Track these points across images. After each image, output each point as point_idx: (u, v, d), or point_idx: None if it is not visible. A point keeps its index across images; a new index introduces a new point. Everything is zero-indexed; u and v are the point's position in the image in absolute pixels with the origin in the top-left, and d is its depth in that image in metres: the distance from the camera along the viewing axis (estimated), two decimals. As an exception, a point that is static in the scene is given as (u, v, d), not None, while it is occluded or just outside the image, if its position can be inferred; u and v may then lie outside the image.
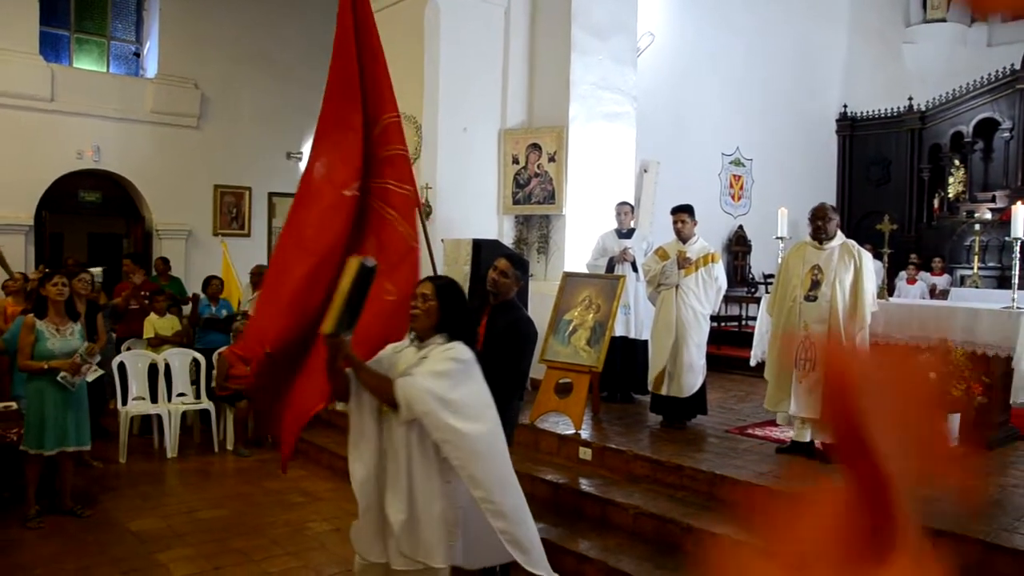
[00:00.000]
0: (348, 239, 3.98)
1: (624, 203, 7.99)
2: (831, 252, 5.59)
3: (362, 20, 4.38)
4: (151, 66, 12.40)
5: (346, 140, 4.13)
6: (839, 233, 5.68)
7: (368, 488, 3.33)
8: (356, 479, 3.37)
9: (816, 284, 5.57)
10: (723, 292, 6.78)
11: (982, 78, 12.85)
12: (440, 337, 3.33)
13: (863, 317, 5.43)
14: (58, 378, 5.58)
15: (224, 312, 8.91)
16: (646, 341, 7.58)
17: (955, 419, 5.94)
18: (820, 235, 5.65)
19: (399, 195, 4.16)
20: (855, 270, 5.46)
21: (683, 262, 6.54)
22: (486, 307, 4.75)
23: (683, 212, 6.73)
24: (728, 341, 10.37)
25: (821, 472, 5.26)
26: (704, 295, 6.60)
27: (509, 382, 4.62)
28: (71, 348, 5.74)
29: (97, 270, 8.99)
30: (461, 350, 3.28)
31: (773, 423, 6.32)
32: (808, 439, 5.63)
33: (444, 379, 3.16)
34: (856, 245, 5.59)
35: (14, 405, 6.14)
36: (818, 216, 5.68)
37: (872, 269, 5.55)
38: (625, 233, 7.80)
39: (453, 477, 3.24)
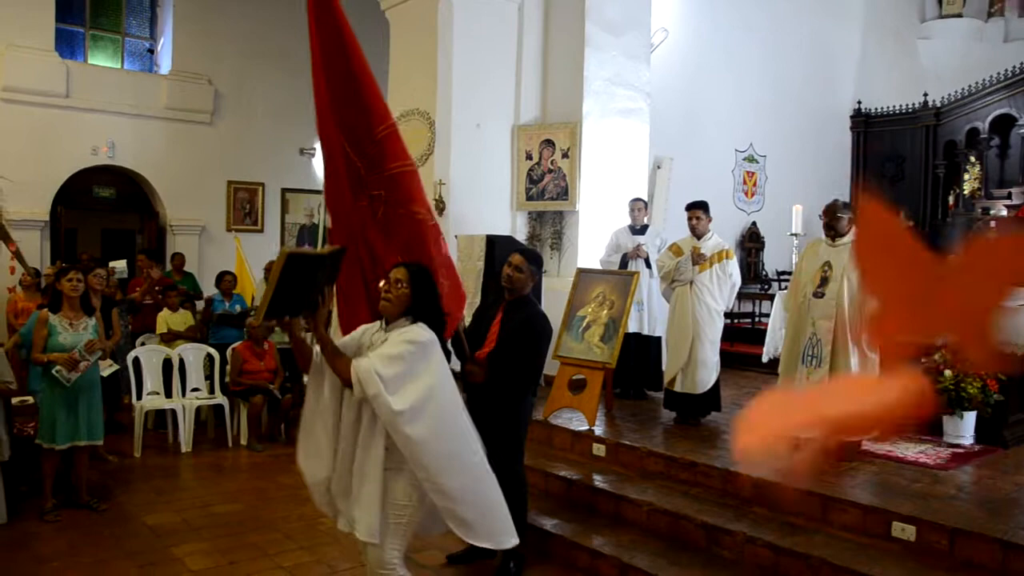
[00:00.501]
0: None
1: (638, 199, 7.97)
2: (842, 249, 5.56)
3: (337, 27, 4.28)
4: (165, 62, 12.44)
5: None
6: (853, 229, 5.65)
7: (323, 461, 3.47)
8: (306, 452, 3.51)
9: (825, 281, 5.55)
10: (737, 288, 6.75)
11: (999, 74, 12.74)
12: (406, 320, 3.42)
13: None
14: (53, 371, 5.60)
15: (238, 308, 8.93)
16: (659, 338, 7.57)
17: (970, 416, 5.94)
18: (831, 232, 5.64)
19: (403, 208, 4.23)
20: None
21: (697, 258, 6.52)
22: (501, 303, 4.76)
23: (698, 208, 6.71)
24: (741, 338, 10.32)
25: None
26: (718, 291, 6.58)
27: (523, 378, 4.64)
28: (83, 343, 5.77)
29: (121, 263, 9.05)
30: (418, 331, 3.35)
31: (787, 420, 6.28)
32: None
33: (396, 362, 3.24)
34: None
35: (31, 399, 6.18)
36: (828, 213, 5.67)
37: None
38: (639, 229, 7.79)
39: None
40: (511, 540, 3.59)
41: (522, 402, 4.71)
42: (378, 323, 3.53)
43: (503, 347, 4.58)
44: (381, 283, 3.51)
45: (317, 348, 3.46)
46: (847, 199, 14.11)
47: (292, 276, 3.25)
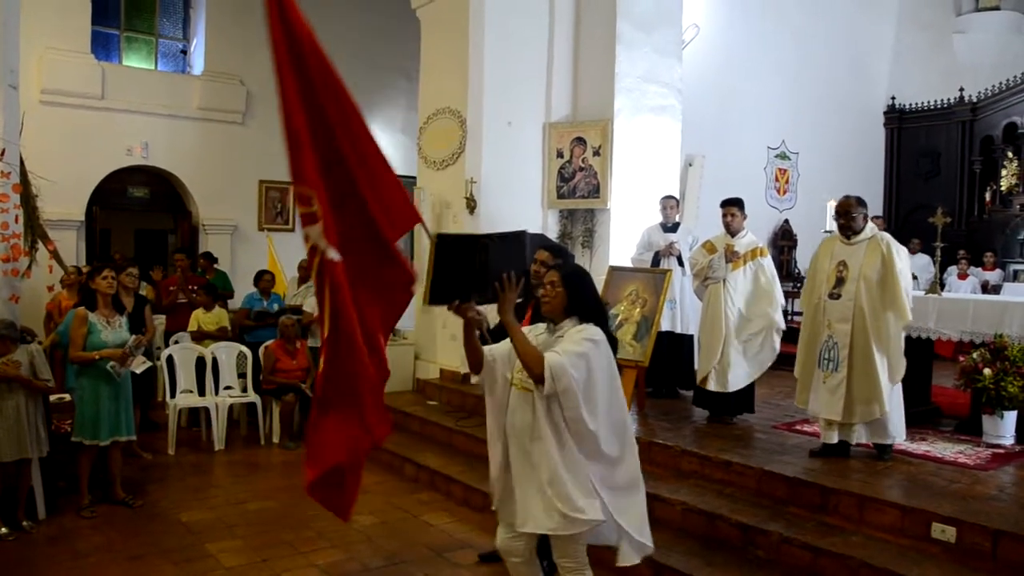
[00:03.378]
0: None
1: (669, 197, 7.92)
2: (859, 247, 5.36)
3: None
4: (198, 63, 12.55)
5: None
6: (870, 226, 5.43)
7: (501, 459, 3.56)
8: (494, 454, 3.61)
9: (841, 281, 5.37)
10: (776, 286, 6.61)
11: (1037, 67, 12.53)
12: (573, 320, 3.47)
13: (903, 308, 5.13)
14: (107, 367, 5.71)
15: (276, 306, 8.97)
16: (692, 336, 7.51)
17: (1011, 416, 5.83)
18: (846, 231, 5.43)
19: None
20: (883, 264, 5.19)
21: (731, 256, 6.45)
22: (531, 300, 4.75)
23: (733, 206, 6.65)
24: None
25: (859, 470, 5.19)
26: (752, 292, 6.50)
27: None
28: (121, 340, 5.88)
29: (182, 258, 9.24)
30: (593, 330, 3.41)
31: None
32: (835, 440, 5.44)
33: (583, 359, 3.30)
34: (887, 238, 5.31)
35: (67, 397, 6.26)
36: (841, 212, 5.45)
37: (905, 263, 5.26)
38: (670, 227, 7.73)
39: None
40: (651, 548, 3.60)
41: None
42: (543, 325, 3.60)
43: None
44: (540, 291, 3.55)
45: (487, 348, 3.53)
46: (881, 197, 14.02)
47: (448, 260, 3.23)
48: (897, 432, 5.35)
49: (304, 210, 3.06)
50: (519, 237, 3.26)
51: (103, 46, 11.96)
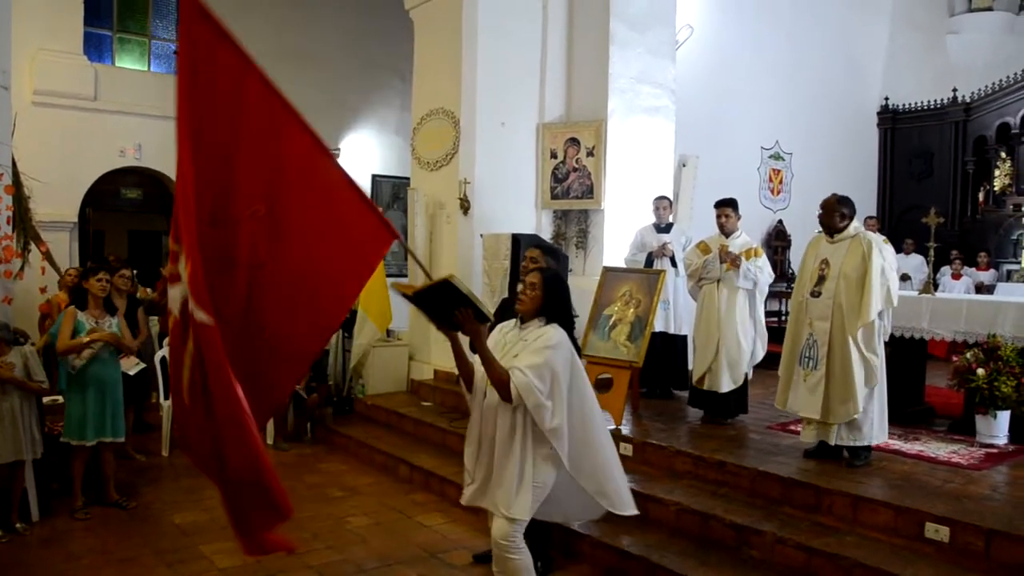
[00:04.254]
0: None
1: (662, 197, 7.92)
2: (841, 245, 5.36)
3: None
4: (191, 64, 12.52)
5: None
6: (854, 225, 5.42)
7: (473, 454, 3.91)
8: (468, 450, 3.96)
9: (822, 279, 5.38)
10: (764, 284, 6.62)
11: (1030, 68, 12.57)
12: (539, 320, 3.78)
13: (867, 313, 5.10)
14: (69, 359, 5.73)
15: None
16: (685, 336, 7.52)
17: (1004, 416, 5.85)
18: (827, 229, 5.44)
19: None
20: (862, 263, 5.17)
21: (725, 256, 6.46)
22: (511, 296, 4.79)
23: (727, 206, 6.65)
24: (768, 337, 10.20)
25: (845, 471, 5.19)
26: (747, 289, 6.52)
27: None
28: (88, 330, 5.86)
29: None
30: (551, 333, 3.71)
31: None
32: (815, 439, 5.43)
33: (545, 370, 3.61)
34: (869, 237, 5.30)
35: (60, 399, 6.24)
36: (824, 210, 5.46)
37: (889, 262, 5.26)
38: (664, 228, 7.74)
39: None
40: (633, 509, 4.01)
41: None
42: (512, 322, 3.91)
43: None
44: (519, 287, 3.89)
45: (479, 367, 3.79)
46: (875, 197, 14.04)
47: (436, 294, 3.51)
48: (874, 435, 5.31)
49: (170, 270, 3.04)
50: (443, 285, 3.43)
51: (96, 47, 11.92)
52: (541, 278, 3.81)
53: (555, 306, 3.81)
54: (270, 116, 3.19)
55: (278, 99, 3.19)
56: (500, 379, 3.61)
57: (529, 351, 3.67)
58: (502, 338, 3.87)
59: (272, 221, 3.14)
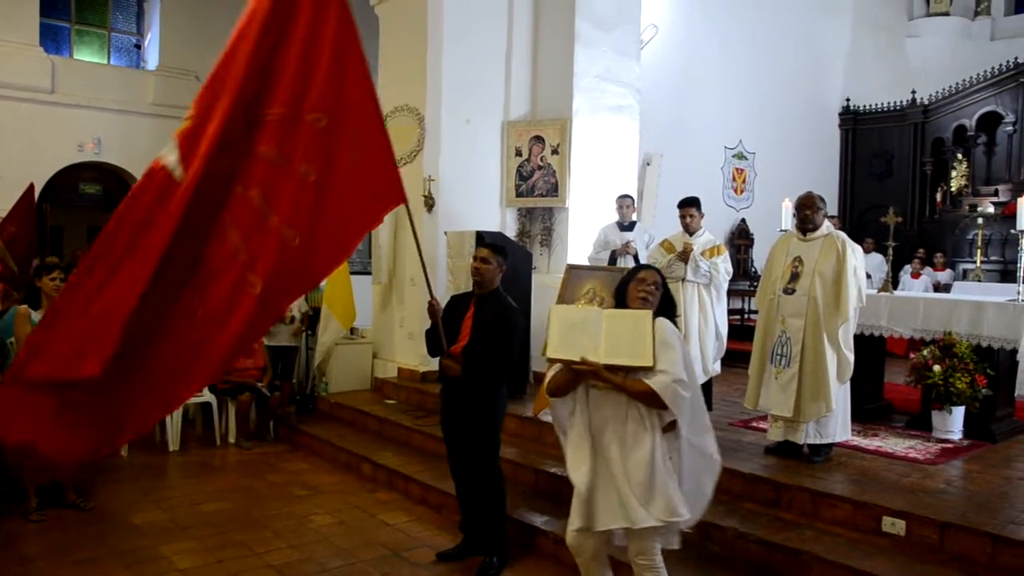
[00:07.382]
0: (180, 233, 3.35)
1: (626, 196, 7.95)
2: (814, 243, 5.42)
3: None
4: (152, 58, 12.37)
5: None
6: (826, 224, 5.50)
7: (590, 465, 3.58)
8: (578, 462, 3.62)
9: (796, 276, 5.42)
10: (722, 280, 6.68)
11: (985, 72, 12.82)
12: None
13: (845, 311, 5.20)
14: None
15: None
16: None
17: (959, 411, 5.96)
18: (807, 225, 5.48)
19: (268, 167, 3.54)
20: (837, 261, 5.24)
21: (686, 255, 6.50)
22: (472, 297, 4.78)
23: (691, 206, 6.69)
24: (730, 335, 10.27)
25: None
26: (710, 287, 6.59)
27: (498, 371, 4.67)
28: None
29: None
30: (665, 328, 3.55)
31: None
32: (782, 438, 5.50)
33: (678, 363, 3.45)
34: (842, 236, 5.38)
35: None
36: (805, 205, 5.48)
37: (860, 262, 5.34)
38: (627, 226, 7.77)
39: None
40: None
41: (496, 395, 4.73)
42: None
43: (477, 341, 4.61)
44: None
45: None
46: (836, 196, 14.23)
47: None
48: (837, 432, 5.40)
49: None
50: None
51: (52, 39, 11.73)
52: (659, 276, 3.72)
53: (666, 305, 3.71)
54: (345, 43, 3.55)
55: (355, 35, 3.57)
56: (642, 393, 3.43)
57: (663, 347, 3.50)
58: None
59: (326, 135, 3.46)
